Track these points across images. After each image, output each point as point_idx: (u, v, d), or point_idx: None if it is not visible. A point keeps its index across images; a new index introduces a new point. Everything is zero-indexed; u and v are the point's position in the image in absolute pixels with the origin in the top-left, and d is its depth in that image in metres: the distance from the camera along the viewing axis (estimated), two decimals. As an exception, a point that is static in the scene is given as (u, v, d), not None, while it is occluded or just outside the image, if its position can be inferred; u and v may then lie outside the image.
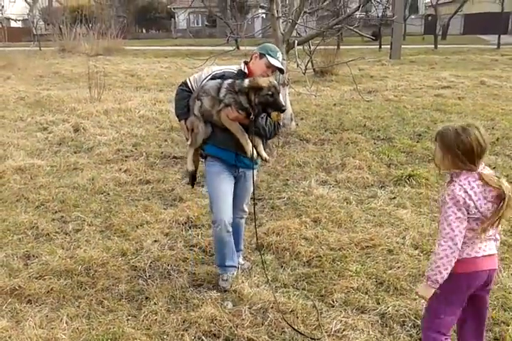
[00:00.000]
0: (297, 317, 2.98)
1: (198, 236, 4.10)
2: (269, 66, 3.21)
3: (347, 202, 4.88)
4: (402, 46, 21.78)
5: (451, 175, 2.24)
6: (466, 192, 2.14)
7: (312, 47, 8.60)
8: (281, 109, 3.09)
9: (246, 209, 3.57)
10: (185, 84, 3.31)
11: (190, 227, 4.30)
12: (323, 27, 9.24)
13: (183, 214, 4.45)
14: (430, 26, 34.84)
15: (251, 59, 3.29)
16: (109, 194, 5.14)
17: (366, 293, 3.24)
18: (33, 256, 3.80)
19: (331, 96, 10.93)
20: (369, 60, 17.43)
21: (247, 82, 3.07)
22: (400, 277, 3.39)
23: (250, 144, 3.13)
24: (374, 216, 4.51)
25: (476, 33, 36.49)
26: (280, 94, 3.10)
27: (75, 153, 6.74)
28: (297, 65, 7.57)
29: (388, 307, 3.04)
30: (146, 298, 3.24)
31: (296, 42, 7.42)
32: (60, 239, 4.10)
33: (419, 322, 2.87)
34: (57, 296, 3.24)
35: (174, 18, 46.82)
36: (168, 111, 9.37)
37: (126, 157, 6.47)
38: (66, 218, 4.53)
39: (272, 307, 3.05)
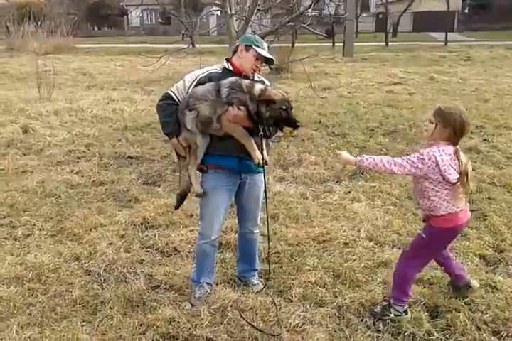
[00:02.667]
0: (256, 314, 2.97)
1: (154, 237, 4.02)
2: (258, 58, 3.00)
3: (304, 198, 4.93)
4: (355, 44, 22.19)
5: (432, 144, 2.72)
6: (441, 155, 2.66)
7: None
8: (295, 125, 2.85)
9: (258, 222, 3.25)
10: (168, 97, 3.00)
11: (146, 228, 4.22)
12: (276, 24, 9.28)
13: (139, 215, 4.37)
14: (381, 24, 35.68)
15: (234, 53, 3.05)
16: (60, 197, 4.96)
17: (324, 287, 3.29)
18: (-20, 264, 3.62)
19: (286, 93, 10.97)
20: (323, 58, 17.67)
21: (257, 90, 2.83)
22: (355, 269, 3.46)
23: (257, 150, 2.86)
24: (330, 210, 4.57)
25: (425, 31, 37.68)
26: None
27: (24, 155, 6.47)
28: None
29: (345, 300, 3.09)
30: (101, 302, 3.15)
31: (251, 39, 7.42)
32: (9, 245, 3.93)
33: (375, 312, 2.95)
34: (7, 305, 3.10)
35: (127, 16, 45.75)
36: (122, 110, 9.18)
37: (78, 158, 6.27)
38: (15, 223, 4.34)
39: (231, 306, 3.04)
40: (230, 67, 3.03)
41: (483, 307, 3.03)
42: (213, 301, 3.07)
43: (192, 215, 4.46)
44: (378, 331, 2.82)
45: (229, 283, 3.33)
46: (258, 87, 2.87)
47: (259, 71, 3.12)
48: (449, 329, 2.84)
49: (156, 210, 4.48)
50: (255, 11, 7.51)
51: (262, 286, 3.29)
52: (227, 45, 7.81)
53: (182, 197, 3.21)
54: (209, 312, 2.97)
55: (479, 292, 3.17)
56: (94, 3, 47.30)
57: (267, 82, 3.08)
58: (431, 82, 12.43)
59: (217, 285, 3.29)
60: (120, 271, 3.50)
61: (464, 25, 39.73)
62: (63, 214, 4.52)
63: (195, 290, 3.13)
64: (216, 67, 3.09)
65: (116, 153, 6.43)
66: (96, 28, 50.03)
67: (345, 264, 3.54)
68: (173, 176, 5.60)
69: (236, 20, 7.73)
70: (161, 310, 2.98)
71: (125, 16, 45.94)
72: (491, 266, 3.60)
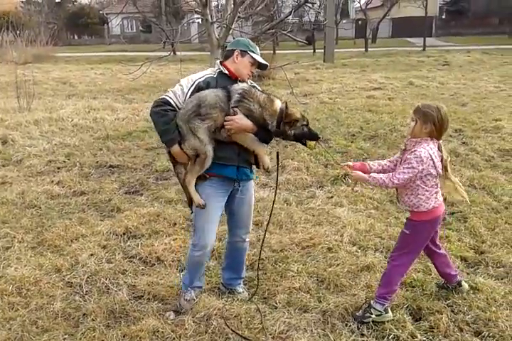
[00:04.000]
0: (241, 322, 2.96)
1: (137, 246, 3.99)
2: (254, 63, 2.98)
3: (287, 204, 4.95)
4: (335, 50, 22.47)
5: (416, 142, 2.83)
6: (433, 152, 2.79)
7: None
8: (318, 138, 2.88)
9: (249, 229, 3.22)
10: (166, 103, 2.85)
11: (129, 238, 4.18)
12: (257, 32, 9.35)
13: (121, 225, 4.32)
14: (361, 30, 36.21)
15: (227, 58, 2.99)
16: (40, 208, 4.89)
17: (308, 292, 3.29)
18: (-42, 278, 3.54)
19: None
20: (304, 64, 17.82)
21: (277, 107, 2.81)
22: (339, 274, 3.47)
23: (266, 156, 2.91)
24: (313, 216, 4.59)
25: (404, 36, 38.35)
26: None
27: (3, 166, 6.37)
28: (233, 70, 7.59)
29: (329, 305, 3.09)
30: (84, 314, 3.10)
31: (231, 47, 7.45)
32: (-12, 259, 3.85)
33: (359, 317, 2.96)
34: (-14, 320, 3.04)
35: (107, 24, 45.63)
36: (103, 119, 9.12)
37: (59, 168, 6.20)
38: (-6, 236, 4.26)
39: (215, 314, 3.02)
40: (226, 71, 2.97)
41: (465, 308, 3.07)
42: (197, 310, 3.05)
43: (175, 224, 4.44)
44: (362, 335, 2.84)
45: (213, 291, 3.31)
46: (278, 103, 2.86)
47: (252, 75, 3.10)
48: (432, 331, 2.87)
49: (139, 219, 4.44)
50: (236, 19, 7.55)
51: (247, 294, 3.28)
52: (209, 53, 7.84)
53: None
54: (193, 322, 2.94)
55: (461, 293, 3.21)
56: (74, 11, 47.10)
57: (257, 87, 3.05)
58: (410, 87, 12.63)
59: (200, 293, 3.26)
60: (102, 282, 3.46)
61: (441, 30, 40.54)
62: (44, 225, 4.45)
63: (185, 292, 3.10)
64: (210, 71, 3.02)
65: (97, 162, 6.37)
66: (76, 37, 49.72)
67: (329, 269, 3.55)
68: (156, 184, 5.58)
69: (217, 27, 7.77)
70: (144, 321, 2.95)
71: (105, 25, 45.79)
72: (471, 267, 3.65)
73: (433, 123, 2.79)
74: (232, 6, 7.50)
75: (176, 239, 4.08)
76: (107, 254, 3.88)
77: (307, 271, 3.54)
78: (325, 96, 11.32)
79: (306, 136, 2.87)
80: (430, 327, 2.91)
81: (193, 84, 2.88)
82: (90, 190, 5.37)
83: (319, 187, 5.41)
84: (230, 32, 7.69)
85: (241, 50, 2.95)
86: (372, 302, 2.97)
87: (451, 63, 18.78)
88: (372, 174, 2.90)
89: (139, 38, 44.32)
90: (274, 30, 8.68)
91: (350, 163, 3.05)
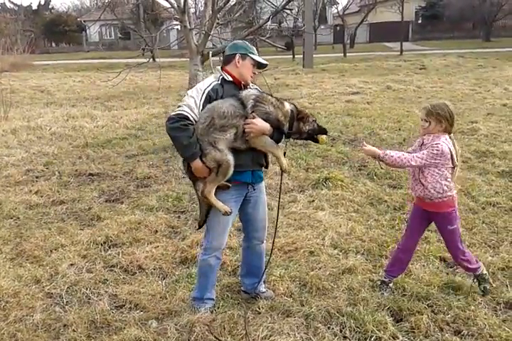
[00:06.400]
0: (224, 328, 2.95)
1: (118, 255, 3.95)
2: (254, 64, 3.00)
3: (269, 208, 4.92)
4: (314, 55, 22.69)
5: (434, 136, 3.04)
6: (448, 145, 3.00)
7: (222, 59, 8.69)
8: (326, 131, 3.02)
9: (265, 232, 3.24)
10: (184, 118, 2.79)
11: (109, 247, 4.13)
12: (236, 38, 9.39)
13: (102, 234, 4.28)
14: (339, 36, 36.64)
15: (227, 63, 2.99)
16: (19, 218, 4.81)
17: (291, 296, 3.30)
18: None
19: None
20: (283, 70, 17.95)
21: (288, 109, 2.91)
22: (321, 277, 3.49)
23: (283, 157, 2.96)
24: (295, 220, 4.61)
25: (381, 41, 38.90)
26: None
27: (-20, 176, 6.25)
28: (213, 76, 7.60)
29: (312, 308, 3.11)
30: (64, 325, 3.05)
31: (211, 53, 7.47)
32: (-35, 271, 3.77)
33: (342, 319, 2.98)
34: (-37, 334, 2.97)
35: (85, 31, 45.28)
36: (82, 127, 9.04)
37: (37, 177, 6.12)
38: (-29, 248, 4.17)
39: (198, 321, 3.00)
40: (230, 78, 2.97)
41: (445, 308, 3.11)
42: (180, 317, 3.04)
43: (157, 231, 4.41)
44: (345, 337, 2.85)
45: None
46: (287, 105, 2.94)
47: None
48: (413, 332, 2.90)
49: (120, 228, 4.40)
50: (215, 25, 7.58)
51: (271, 291, 3.33)
52: (188, 59, 7.84)
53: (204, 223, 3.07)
54: (176, 330, 2.93)
55: (441, 293, 3.26)
56: (51, 19, 46.59)
57: (259, 89, 3.07)
58: (388, 91, 12.82)
59: (183, 301, 3.25)
60: (83, 292, 3.41)
61: (418, 35, 41.26)
62: (22, 235, 4.37)
63: (198, 306, 3.06)
64: (214, 78, 2.99)
65: (76, 170, 6.30)
66: (54, 45, 49.20)
67: (311, 273, 3.57)
68: (137, 192, 5.54)
69: (196, 34, 7.78)
70: (126, 330, 2.92)
71: (83, 32, 45.42)
72: (451, 267, 3.71)
73: (446, 120, 3.03)
74: (211, 12, 7.52)
75: (158, 246, 4.06)
76: (87, 264, 3.83)
77: (289, 276, 3.55)
78: (305, 101, 11.41)
79: (317, 131, 3.00)
80: (411, 327, 2.94)
81: (203, 94, 2.86)
82: (69, 199, 5.31)
83: (300, 191, 5.44)
84: (209, 38, 7.72)
85: (241, 54, 2.97)
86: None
87: (428, 67, 19.14)
88: (387, 151, 3.07)
89: (118, 44, 44.06)
90: (253, 36, 8.72)
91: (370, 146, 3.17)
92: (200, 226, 3.11)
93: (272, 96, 2.98)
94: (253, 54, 3.00)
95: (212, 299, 3.15)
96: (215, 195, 2.90)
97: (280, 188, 3.41)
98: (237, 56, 2.96)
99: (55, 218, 4.82)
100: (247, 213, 3.13)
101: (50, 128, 8.91)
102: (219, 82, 2.95)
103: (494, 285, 3.37)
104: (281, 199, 5.13)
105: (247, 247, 3.27)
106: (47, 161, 6.77)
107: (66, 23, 46.15)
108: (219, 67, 3.06)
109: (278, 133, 2.93)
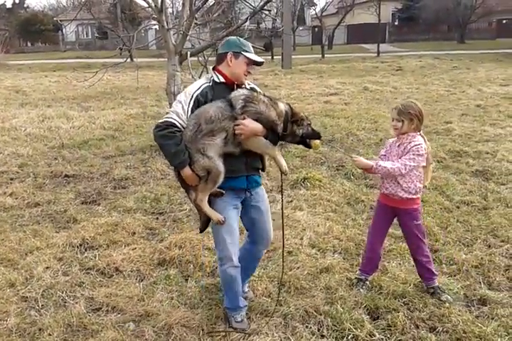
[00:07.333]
0: (202, 330, 2.95)
1: (94, 257, 3.90)
2: (249, 62, 2.85)
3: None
4: (293, 56, 22.84)
5: (410, 135, 3.14)
6: (424, 143, 3.14)
7: (201, 59, 8.67)
8: (320, 136, 2.89)
9: (270, 240, 3.13)
10: (171, 125, 2.70)
11: (86, 249, 4.07)
12: (214, 38, 9.37)
13: (78, 236, 4.21)
14: (317, 37, 36.94)
15: (220, 62, 2.86)
16: (-8, 221, 4.71)
17: (269, 296, 3.31)
18: None
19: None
20: (262, 70, 18.00)
21: (283, 109, 2.78)
22: (299, 277, 3.52)
23: (282, 158, 2.81)
24: (273, 220, 4.60)
25: (359, 43, 39.36)
26: None
27: (-49, 178, 6.10)
28: (192, 76, 7.58)
29: (290, 308, 3.12)
30: (40, 329, 3.00)
31: (189, 53, 7.44)
32: None
33: (320, 318, 3.01)
34: None
35: (62, 31, 44.55)
36: (58, 128, 8.90)
37: (12, 179, 5.99)
38: None
39: (176, 323, 2.99)
40: (222, 79, 2.84)
41: (421, 305, 3.17)
42: (158, 320, 3.02)
43: (134, 233, 4.37)
44: (322, 336, 2.88)
45: (172, 299, 3.28)
46: (281, 104, 2.83)
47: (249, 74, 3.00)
48: (390, 329, 2.94)
49: (96, 230, 4.34)
50: (193, 25, 7.55)
51: (252, 295, 3.31)
52: (166, 59, 7.79)
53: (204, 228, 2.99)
54: (153, 332, 2.91)
55: (416, 291, 3.31)
56: (26, 18, 45.72)
57: (257, 88, 2.99)
58: (365, 92, 12.97)
59: (160, 302, 3.23)
60: (59, 296, 3.36)
61: (394, 36, 41.88)
62: (-4, 239, 4.28)
63: (234, 315, 3.00)
64: (205, 79, 2.89)
65: (52, 172, 6.20)
66: (29, 44, 48.29)
67: (290, 272, 3.59)
68: (114, 194, 5.48)
69: (174, 34, 7.74)
70: (103, 333, 2.89)
71: (60, 31, 44.69)
72: (426, 265, 3.77)
73: (417, 118, 3.13)
74: (189, 12, 7.49)
75: (135, 248, 4.02)
76: (63, 267, 3.77)
77: (268, 276, 3.57)
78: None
79: (311, 136, 2.87)
80: (388, 325, 2.98)
81: (191, 99, 2.76)
82: (45, 201, 5.22)
83: (279, 191, 5.45)
84: (187, 38, 7.69)
85: (234, 52, 2.82)
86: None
87: (404, 68, 19.44)
88: (379, 162, 3.14)
89: (95, 44, 43.52)
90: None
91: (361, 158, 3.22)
92: (201, 231, 3.03)
93: (264, 95, 2.85)
94: (247, 51, 2.85)
95: (245, 305, 3.08)
96: (211, 203, 2.82)
97: (281, 192, 3.42)
98: (229, 54, 2.82)
99: (30, 221, 4.73)
100: (251, 219, 3.03)
101: (25, 129, 8.75)
102: (210, 83, 2.84)
103: (468, 282, 3.45)
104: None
105: (249, 250, 3.17)
106: (21, 163, 6.65)
107: (42, 23, 45.36)
108: (211, 67, 2.96)
109: (272, 134, 2.78)
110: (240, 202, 2.93)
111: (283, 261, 3.28)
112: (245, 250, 3.21)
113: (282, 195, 3.38)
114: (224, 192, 2.82)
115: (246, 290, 3.32)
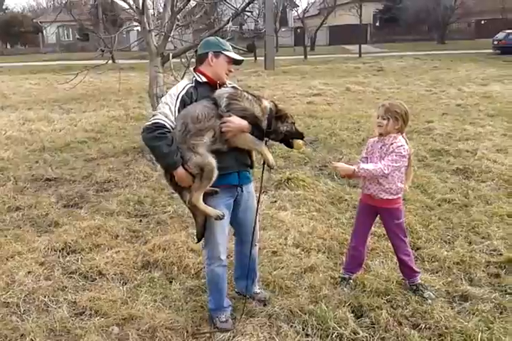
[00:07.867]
0: (187, 332, 2.94)
1: (77, 261, 3.85)
2: (229, 61, 2.87)
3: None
4: (276, 57, 22.93)
5: (393, 136, 3.15)
6: (406, 145, 3.15)
7: (183, 60, 8.65)
8: (303, 136, 2.91)
9: (258, 235, 3.20)
10: (161, 126, 2.69)
11: (68, 253, 4.02)
12: (197, 40, 9.35)
13: (60, 240, 4.16)
14: (299, 38, 37.10)
15: (201, 63, 2.88)
16: (-28, 226, 4.62)
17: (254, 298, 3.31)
18: None
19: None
20: (245, 71, 18.03)
21: (267, 106, 2.80)
22: (284, 277, 3.53)
23: (270, 153, 2.84)
24: (258, 220, 4.62)
25: (341, 44, 39.65)
26: None
27: None
28: (174, 78, 7.55)
29: (275, 308, 3.13)
30: (22, 335, 2.95)
31: (171, 55, 7.41)
32: None
33: (304, 317, 3.02)
34: None
35: (42, 33, 43.96)
36: (39, 130, 8.78)
37: (-8, 183, 5.90)
38: None
39: (161, 326, 2.98)
40: (204, 79, 2.86)
41: (403, 302, 3.20)
42: (142, 323, 3.00)
43: (117, 236, 4.33)
44: (307, 335, 2.89)
45: (156, 301, 3.26)
46: (265, 102, 2.85)
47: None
48: (374, 327, 2.96)
49: (78, 233, 4.30)
50: (175, 27, 7.52)
51: (266, 292, 3.31)
52: (148, 61, 7.75)
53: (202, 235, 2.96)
54: (137, 335, 2.89)
55: (399, 289, 3.35)
56: (6, 20, 45.04)
57: (237, 87, 2.99)
58: (347, 93, 13.08)
59: (144, 305, 3.21)
60: (41, 300, 3.31)
61: (376, 37, 42.29)
62: (-24, 244, 4.21)
63: (218, 316, 3.00)
64: (188, 80, 2.90)
65: (33, 175, 6.11)
66: (9, 46, 47.57)
67: (274, 272, 3.60)
68: (97, 197, 5.43)
69: (155, 35, 7.70)
70: (86, 337, 2.86)
71: (40, 33, 44.10)
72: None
73: (402, 119, 3.14)
74: (170, 13, 7.46)
75: (119, 251, 3.99)
76: (45, 271, 3.72)
77: (252, 276, 3.56)
78: (267, 102, 11.47)
79: (294, 135, 2.89)
80: (371, 323, 3.00)
81: (177, 99, 2.77)
82: (26, 205, 5.14)
83: (263, 192, 5.47)
84: (169, 40, 7.66)
85: (214, 52, 2.85)
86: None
87: (386, 69, 19.65)
88: (360, 165, 3.15)
89: (76, 46, 43.02)
90: (213, 38, 8.69)
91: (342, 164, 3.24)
92: (199, 240, 2.99)
93: (248, 92, 2.88)
94: (227, 50, 2.88)
95: (231, 305, 3.08)
96: (204, 202, 2.79)
97: (261, 187, 3.38)
98: (210, 54, 2.84)
99: (11, 225, 4.66)
100: (237, 217, 3.05)
101: (5, 132, 8.63)
102: (193, 84, 2.85)
103: (450, 278, 3.50)
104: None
105: (240, 251, 3.21)
106: (2, 166, 6.54)
107: (21, 24, 44.72)
108: (192, 68, 2.97)
109: (257, 130, 2.80)
110: (232, 199, 2.94)
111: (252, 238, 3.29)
112: (237, 253, 3.23)
113: (262, 182, 3.37)
114: (218, 190, 2.81)
115: (258, 291, 3.30)
